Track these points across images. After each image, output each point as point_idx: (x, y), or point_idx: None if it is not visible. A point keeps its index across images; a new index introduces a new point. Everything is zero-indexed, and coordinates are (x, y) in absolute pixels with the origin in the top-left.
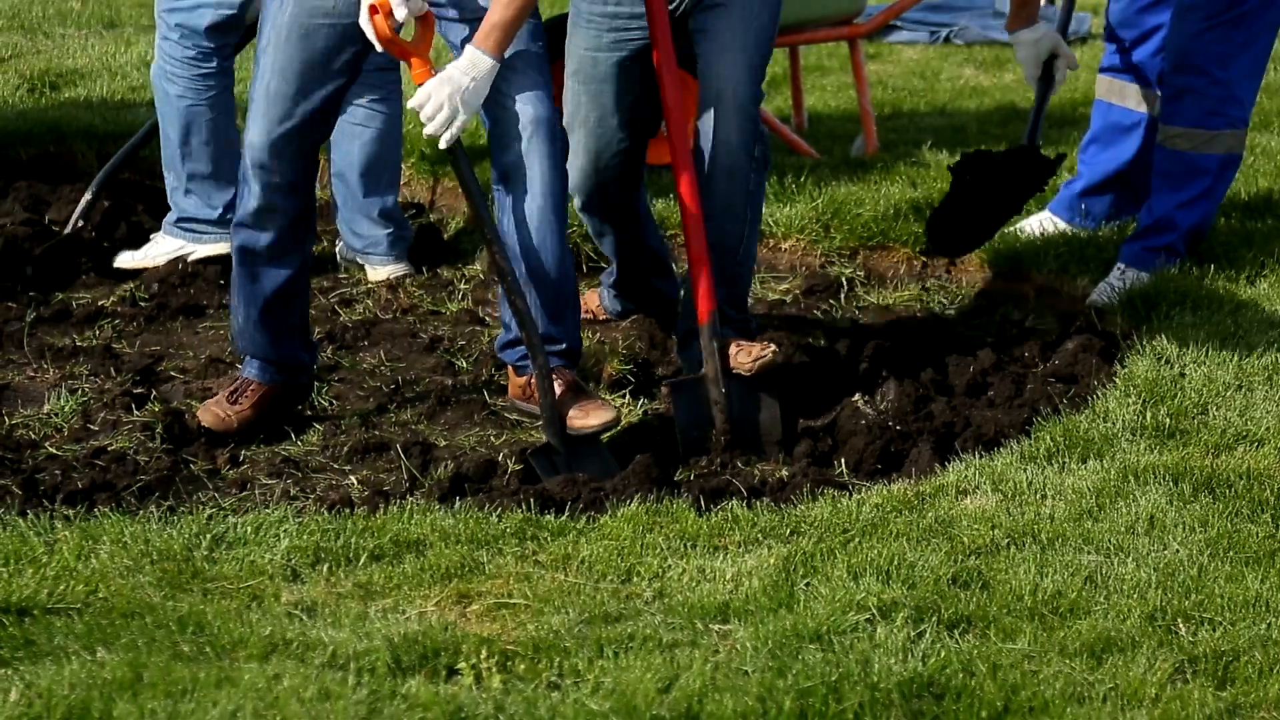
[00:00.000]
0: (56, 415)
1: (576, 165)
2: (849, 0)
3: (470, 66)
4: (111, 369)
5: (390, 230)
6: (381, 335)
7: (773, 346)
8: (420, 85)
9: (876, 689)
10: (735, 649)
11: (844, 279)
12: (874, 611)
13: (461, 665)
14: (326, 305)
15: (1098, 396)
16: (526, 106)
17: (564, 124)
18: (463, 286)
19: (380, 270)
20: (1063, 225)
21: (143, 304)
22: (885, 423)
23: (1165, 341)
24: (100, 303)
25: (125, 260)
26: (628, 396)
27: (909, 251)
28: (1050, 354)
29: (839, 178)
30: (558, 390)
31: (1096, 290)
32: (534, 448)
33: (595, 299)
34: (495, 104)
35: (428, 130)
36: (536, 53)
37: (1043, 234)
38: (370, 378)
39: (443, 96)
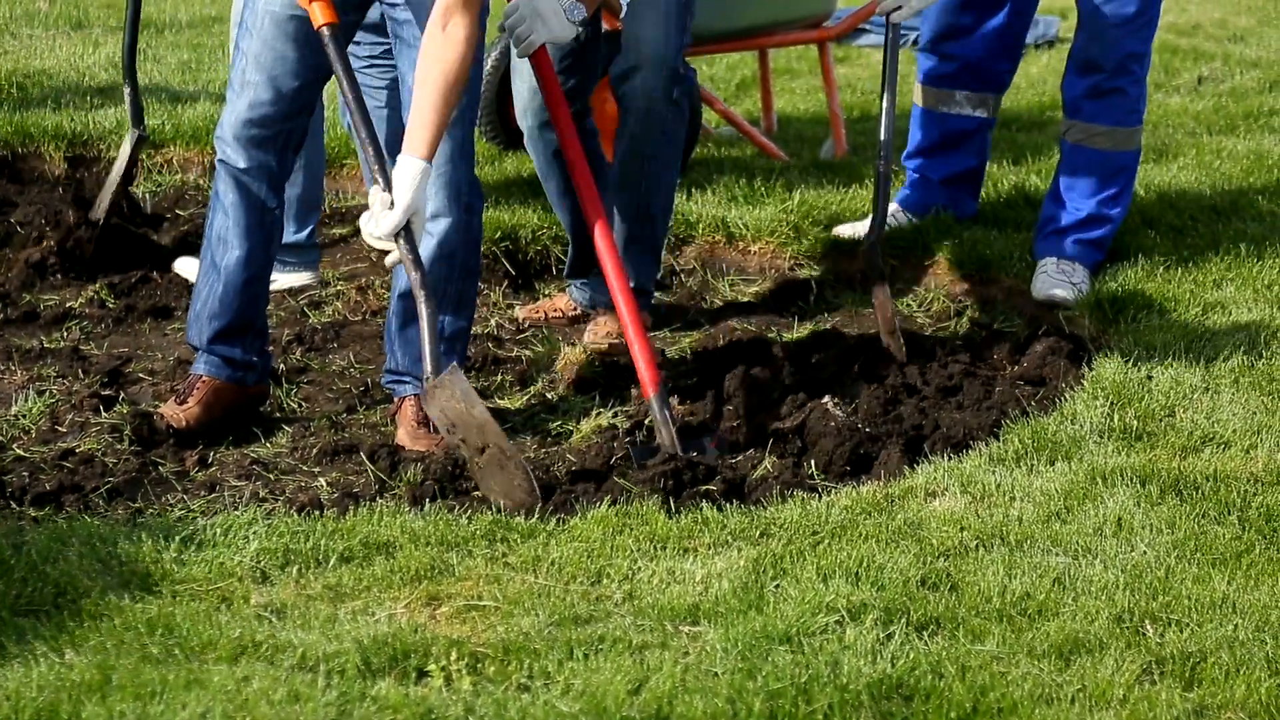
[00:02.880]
0: (24, 417)
1: (521, 88)
2: (818, 3)
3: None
4: (79, 371)
5: None
6: (351, 337)
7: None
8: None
9: (846, 690)
10: (705, 650)
11: (813, 281)
12: (843, 613)
13: (431, 667)
14: (295, 307)
15: (1066, 399)
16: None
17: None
18: None
19: None
20: (910, 218)
21: (110, 306)
22: (854, 425)
23: (1133, 344)
24: (68, 304)
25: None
26: (597, 398)
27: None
28: (1019, 356)
29: (808, 181)
30: (412, 415)
31: (1044, 284)
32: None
33: (562, 299)
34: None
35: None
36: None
37: (896, 224)
38: (339, 380)
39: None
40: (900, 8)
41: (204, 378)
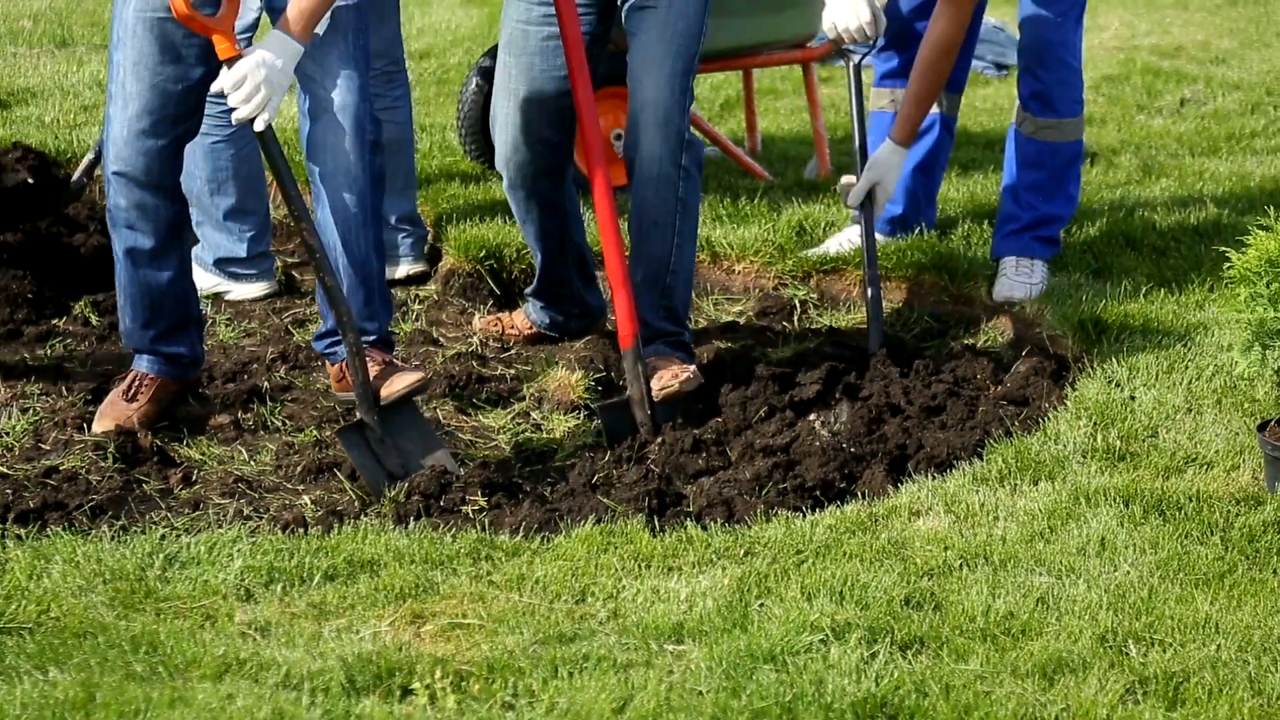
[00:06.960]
0: (8, 434)
1: (503, 139)
2: (802, 24)
3: (280, 48)
4: (63, 388)
5: (406, 232)
6: None
7: (687, 373)
8: (227, 63)
9: (830, 709)
10: (689, 669)
11: (797, 301)
12: (828, 632)
13: (416, 685)
14: (280, 326)
15: (1049, 419)
16: (336, 93)
17: (493, 95)
18: (416, 307)
19: (400, 268)
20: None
21: (94, 324)
22: (839, 444)
23: (1116, 365)
24: (52, 322)
25: None
26: (581, 416)
27: (861, 274)
28: (1002, 376)
29: (792, 200)
30: (371, 370)
31: (1006, 287)
32: (344, 426)
33: (520, 317)
34: (308, 88)
35: (241, 114)
36: (350, 42)
37: (852, 248)
38: (323, 398)
39: (259, 79)
40: (864, 54)
41: (150, 376)
